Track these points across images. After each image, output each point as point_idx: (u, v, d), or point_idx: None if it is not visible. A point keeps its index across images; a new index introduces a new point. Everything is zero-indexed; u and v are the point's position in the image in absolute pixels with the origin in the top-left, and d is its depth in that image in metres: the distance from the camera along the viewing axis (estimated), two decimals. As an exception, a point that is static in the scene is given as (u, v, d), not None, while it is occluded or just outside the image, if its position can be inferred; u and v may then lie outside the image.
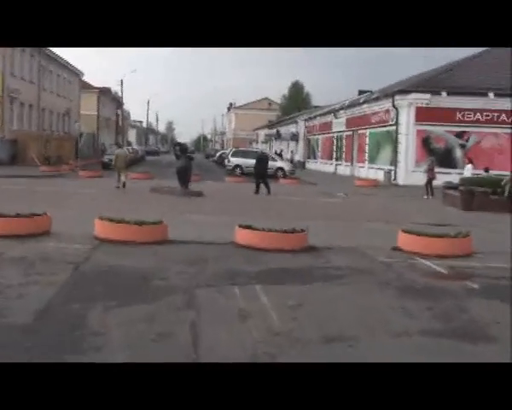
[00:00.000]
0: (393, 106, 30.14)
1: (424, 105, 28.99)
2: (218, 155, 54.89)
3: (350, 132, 38.90)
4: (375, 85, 43.11)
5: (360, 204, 19.30)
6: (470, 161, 23.71)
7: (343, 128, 40.28)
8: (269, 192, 21.06)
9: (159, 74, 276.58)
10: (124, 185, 20.96)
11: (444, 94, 28.88)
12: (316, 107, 63.40)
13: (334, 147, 42.90)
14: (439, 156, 28.45)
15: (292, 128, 58.08)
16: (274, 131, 67.20)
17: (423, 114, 28.98)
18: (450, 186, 20.95)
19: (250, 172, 27.36)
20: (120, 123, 66.35)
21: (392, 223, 13.59)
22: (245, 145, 62.08)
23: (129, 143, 72.22)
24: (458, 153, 29.06)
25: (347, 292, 6.80)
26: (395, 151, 30.16)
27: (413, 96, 29.11)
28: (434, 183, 22.28)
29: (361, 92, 45.76)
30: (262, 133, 78.17)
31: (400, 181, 29.00)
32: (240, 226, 9.41)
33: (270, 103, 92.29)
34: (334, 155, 42.79)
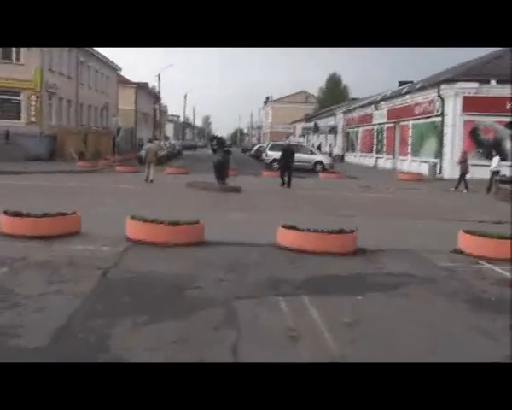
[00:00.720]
0: (439, 96, 28.72)
1: (472, 94, 27.51)
2: (254, 148, 54.15)
3: (391, 124, 37.49)
4: (415, 78, 41.32)
5: (407, 200, 18.14)
6: (498, 153, 22.51)
7: (384, 120, 38.86)
8: (288, 186, 20.54)
9: (196, 69, 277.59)
10: (150, 180, 20.75)
11: (493, 82, 27.33)
12: (353, 99, 61.78)
13: (375, 139, 41.49)
14: (488, 148, 26.99)
15: (330, 121, 56.76)
16: (311, 124, 65.92)
17: (471, 104, 27.48)
18: (504, 180, 19.61)
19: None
20: (158, 117, 66.25)
21: (446, 221, 12.58)
22: (282, 139, 61.08)
23: (166, 138, 72.18)
24: (508, 144, 27.45)
25: (409, 306, 5.89)
26: (440, 143, 28.74)
27: (460, 84, 27.65)
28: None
29: (401, 83, 44.19)
30: (299, 126, 76.93)
31: (446, 175, 27.59)
32: (283, 227, 8.60)
33: (307, 96, 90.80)
34: (375, 148, 41.39)
